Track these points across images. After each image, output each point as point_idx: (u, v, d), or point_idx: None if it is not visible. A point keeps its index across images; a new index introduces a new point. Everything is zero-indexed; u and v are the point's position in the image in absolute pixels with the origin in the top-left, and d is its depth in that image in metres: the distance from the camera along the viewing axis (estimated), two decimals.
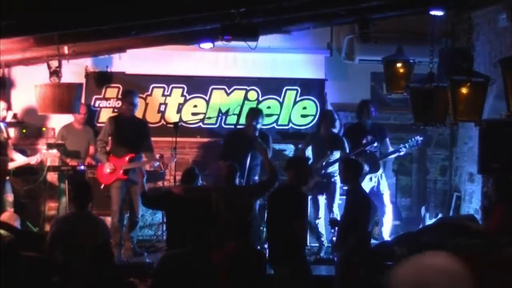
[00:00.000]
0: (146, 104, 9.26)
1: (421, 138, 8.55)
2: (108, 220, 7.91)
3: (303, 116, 9.47)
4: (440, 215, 8.74)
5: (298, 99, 9.44)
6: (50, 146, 8.26)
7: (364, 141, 8.51)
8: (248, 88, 9.39)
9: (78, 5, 5.80)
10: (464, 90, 6.15)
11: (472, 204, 8.76)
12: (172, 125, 8.65)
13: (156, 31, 7.85)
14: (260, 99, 9.38)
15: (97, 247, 4.95)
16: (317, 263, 7.85)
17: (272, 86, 9.45)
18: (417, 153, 9.61)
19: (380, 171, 8.57)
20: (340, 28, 9.50)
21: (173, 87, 9.37)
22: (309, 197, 7.94)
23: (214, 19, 7.12)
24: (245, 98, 9.36)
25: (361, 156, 8.13)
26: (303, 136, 9.17)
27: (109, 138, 8.25)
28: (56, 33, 6.94)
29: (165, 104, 9.36)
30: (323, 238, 8.30)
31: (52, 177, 8.82)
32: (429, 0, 7.67)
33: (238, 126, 9.02)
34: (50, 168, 8.38)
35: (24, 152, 8.54)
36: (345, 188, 7.35)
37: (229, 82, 9.40)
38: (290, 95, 9.44)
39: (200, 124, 9.37)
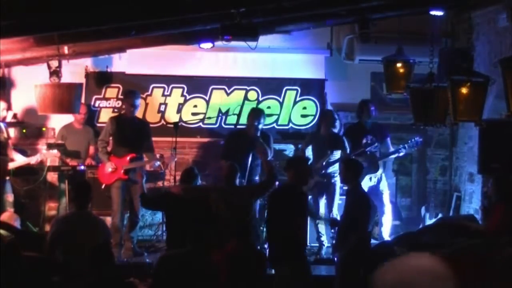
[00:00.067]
0: (146, 104, 9.26)
1: (421, 139, 8.56)
2: (108, 220, 7.91)
3: (303, 116, 9.47)
4: (440, 215, 8.74)
5: (298, 99, 9.44)
6: (50, 146, 8.26)
7: (364, 141, 8.51)
8: (248, 88, 9.39)
9: (78, 5, 5.80)
10: (464, 90, 6.15)
11: (472, 204, 8.76)
12: (172, 125, 8.66)
13: (156, 31, 7.85)
14: (260, 99, 9.38)
15: (97, 247, 4.95)
16: (317, 263, 7.85)
17: (272, 86, 9.45)
18: (417, 153, 9.61)
19: (380, 171, 8.57)
20: (340, 28, 9.50)
21: (173, 87, 9.37)
22: (309, 197, 7.93)
23: (214, 19, 7.12)
24: (245, 98, 9.36)
25: (361, 156, 8.13)
26: (303, 136, 9.17)
27: (110, 138, 8.26)
28: (56, 33, 6.94)
29: (165, 104, 9.36)
30: (323, 238, 8.30)
31: (52, 177, 8.82)
32: (429, 0, 7.67)
33: (238, 126, 9.02)
34: (50, 168, 8.38)
35: (24, 152, 8.54)
36: (345, 188, 7.35)
37: (229, 82, 9.40)
38: (290, 95, 9.44)
39: (200, 124, 9.37)
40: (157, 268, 5.29)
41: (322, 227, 8.30)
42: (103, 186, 8.11)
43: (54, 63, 7.70)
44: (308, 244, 7.03)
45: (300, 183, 6.47)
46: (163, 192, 8.04)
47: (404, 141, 8.72)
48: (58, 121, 8.95)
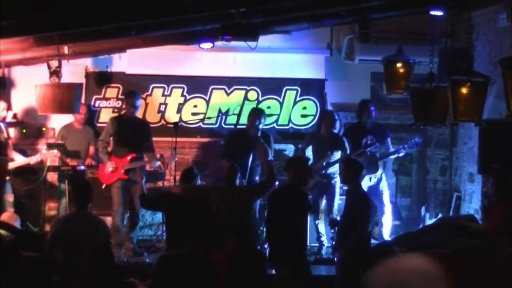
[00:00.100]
0: (146, 104, 9.26)
1: (420, 140, 8.55)
2: (109, 220, 7.91)
3: (303, 116, 9.47)
4: (440, 215, 8.73)
5: (298, 99, 9.44)
6: (50, 146, 8.27)
7: (364, 141, 8.51)
8: (248, 88, 9.39)
9: (78, 5, 5.81)
10: (464, 90, 6.15)
11: (472, 204, 8.76)
12: (172, 125, 8.67)
13: (156, 31, 7.85)
14: (260, 99, 9.38)
15: (97, 247, 4.94)
16: (317, 263, 7.85)
17: (272, 86, 9.45)
18: (417, 153, 9.61)
19: (380, 171, 8.57)
20: (340, 28, 9.50)
21: (173, 87, 9.37)
22: (310, 197, 7.93)
23: (214, 19, 7.12)
24: (245, 98, 9.36)
25: (361, 156, 8.13)
26: (303, 136, 9.17)
27: (111, 138, 8.26)
28: (56, 33, 6.95)
29: (165, 104, 9.36)
30: (323, 238, 8.30)
31: (52, 177, 8.82)
32: (429, 0, 7.67)
33: (238, 126, 9.03)
34: (50, 168, 8.39)
35: (24, 152, 8.54)
36: (345, 188, 7.35)
37: (229, 82, 9.40)
38: (290, 95, 9.44)
39: (200, 124, 9.37)
40: (157, 268, 5.28)
41: (322, 227, 8.30)
42: (103, 186, 8.11)
43: (54, 63, 7.70)
44: (308, 244, 7.02)
45: (300, 183, 6.47)
46: (163, 192, 8.03)
47: (404, 141, 8.72)
48: (58, 121, 8.95)
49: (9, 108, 8.97)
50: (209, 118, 9.34)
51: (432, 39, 7.11)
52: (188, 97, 9.37)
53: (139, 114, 8.60)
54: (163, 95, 9.35)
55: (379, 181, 8.57)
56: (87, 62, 9.24)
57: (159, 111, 9.34)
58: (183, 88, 9.36)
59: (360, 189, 6.79)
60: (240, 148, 8.06)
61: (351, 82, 9.61)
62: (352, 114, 9.16)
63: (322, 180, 8.28)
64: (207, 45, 8.62)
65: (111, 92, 9.28)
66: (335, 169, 8.16)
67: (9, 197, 7.98)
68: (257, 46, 7.64)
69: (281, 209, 6.37)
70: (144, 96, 9.17)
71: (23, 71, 9.04)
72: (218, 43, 8.10)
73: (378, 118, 8.91)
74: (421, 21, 8.27)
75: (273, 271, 6.38)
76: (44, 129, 9.13)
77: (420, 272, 1.98)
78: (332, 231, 7.35)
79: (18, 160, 8.15)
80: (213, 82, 9.39)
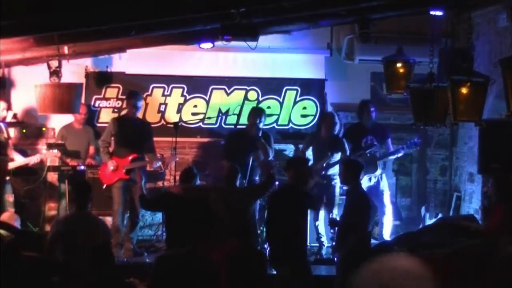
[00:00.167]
0: (146, 104, 9.25)
1: (419, 140, 8.55)
2: (109, 220, 7.92)
3: (303, 116, 9.47)
4: (440, 215, 8.73)
5: (298, 99, 9.44)
6: (50, 146, 8.27)
7: (364, 141, 8.51)
8: (248, 88, 9.39)
9: (78, 5, 5.80)
10: (464, 90, 6.15)
11: (472, 204, 8.75)
12: (172, 125, 8.68)
13: (156, 31, 7.85)
14: (260, 99, 9.38)
15: (97, 247, 4.95)
16: (317, 263, 7.85)
17: (272, 86, 9.44)
18: (417, 153, 9.60)
19: (379, 171, 8.56)
20: (340, 28, 9.50)
21: (173, 87, 9.37)
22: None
23: (214, 19, 7.12)
24: (245, 98, 9.36)
25: (361, 157, 8.13)
26: (303, 136, 9.17)
27: (112, 139, 8.27)
28: (56, 33, 6.95)
29: (165, 104, 9.36)
30: (323, 239, 8.29)
31: (52, 177, 8.82)
32: (429, 0, 7.67)
33: (238, 126, 9.03)
34: (50, 168, 8.39)
35: (24, 152, 8.54)
36: (345, 188, 7.35)
37: (229, 82, 9.40)
38: (290, 95, 9.44)
39: (200, 124, 9.37)
40: (155, 269, 5.28)
41: (322, 228, 8.29)
42: (104, 186, 8.12)
43: (54, 63, 7.70)
44: (308, 244, 7.03)
45: (300, 183, 6.48)
46: (162, 192, 8.04)
47: (404, 141, 8.72)
48: (58, 121, 8.95)
49: (9, 108, 8.97)
50: (209, 118, 9.34)
51: (432, 39, 7.11)
52: (188, 97, 9.37)
53: (139, 114, 8.60)
54: (163, 95, 9.35)
55: (379, 181, 8.57)
56: (87, 62, 9.23)
57: (159, 111, 9.34)
58: (183, 88, 9.36)
59: (360, 189, 6.79)
60: (241, 148, 8.06)
61: (351, 82, 9.60)
62: (352, 114, 9.17)
63: (322, 181, 8.28)
64: (207, 45, 8.62)
65: (111, 92, 9.28)
66: (335, 170, 8.15)
67: (9, 197, 7.99)
68: (257, 46, 7.63)
69: (281, 209, 6.38)
70: (144, 96, 9.17)
71: (23, 71, 9.04)
72: (218, 43, 8.10)
73: (378, 118, 8.91)
74: (421, 21, 8.26)
75: (273, 271, 6.38)
76: (44, 129, 9.13)
77: (406, 273, 1.97)
78: (332, 231, 7.35)
79: (18, 160, 8.15)
80: (213, 82, 9.39)
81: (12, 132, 8.74)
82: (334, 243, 7.37)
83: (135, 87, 8.86)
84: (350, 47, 9.51)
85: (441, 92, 6.35)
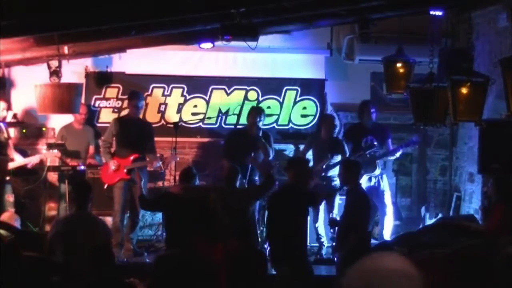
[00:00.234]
0: (146, 104, 9.24)
1: (418, 139, 8.54)
2: (109, 220, 7.92)
3: (303, 116, 9.47)
4: (440, 215, 8.73)
5: (298, 99, 9.44)
6: (50, 146, 8.27)
7: (364, 141, 8.51)
8: (248, 88, 9.39)
9: (78, 5, 5.80)
10: (464, 90, 6.15)
11: (472, 204, 8.75)
12: (172, 125, 8.68)
13: (156, 31, 7.85)
14: (260, 99, 9.38)
15: (97, 247, 4.95)
16: (317, 263, 7.85)
17: (272, 86, 9.44)
18: (417, 153, 9.61)
19: (378, 170, 8.56)
20: (340, 28, 9.50)
21: (173, 87, 9.37)
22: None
23: (214, 19, 7.12)
24: (245, 98, 9.36)
25: (361, 157, 8.13)
26: (303, 136, 9.17)
27: (113, 139, 8.27)
28: (56, 33, 6.94)
29: (165, 104, 9.36)
30: (323, 240, 8.29)
31: (52, 177, 8.82)
32: (429, 0, 7.67)
33: (238, 126, 9.03)
34: (50, 168, 8.38)
35: (24, 152, 8.54)
36: (345, 188, 7.35)
37: (229, 82, 9.40)
38: (290, 95, 9.44)
39: (200, 124, 9.37)
40: (155, 269, 5.28)
41: (322, 230, 8.29)
42: (105, 186, 8.12)
43: (54, 63, 7.69)
44: (308, 244, 7.03)
45: (300, 183, 6.48)
46: (162, 192, 8.04)
47: (404, 142, 8.72)
48: (58, 121, 8.95)
49: (9, 108, 8.96)
50: (209, 118, 9.34)
51: (432, 39, 7.11)
52: (188, 97, 9.37)
53: (139, 114, 8.60)
54: (163, 95, 9.35)
55: (380, 182, 8.57)
56: (87, 62, 9.23)
57: (159, 111, 9.34)
58: (183, 88, 9.36)
59: (360, 189, 6.79)
60: (241, 148, 8.06)
61: (351, 82, 9.60)
62: (352, 114, 9.17)
63: (321, 183, 8.28)
64: (207, 45, 8.62)
65: (111, 92, 9.28)
66: (335, 172, 8.15)
67: (9, 197, 7.98)
68: (257, 46, 7.63)
69: (281, 209, 6.38)
70: (144, 96, 9.16)
71: (23, 71, 9.03)
72: (218, 43, 8.10)
73: (378, 118, 8.91)
74: (421, 21, 8.26)
75: (273, 271, 6.37)
76: (44, 129, 9.12)
77: (395, 272, 1.96)
78: (332, 231, 7.35)
79: (18, 160, 8.15)
80: (213, 82, 9.39)
81: (12, 132, 8.74)
82: (334, 243, 7.36)
83: (135, 87, 8.86)
84: (350, 47, 9.50)
85: (441, 92, 6.35)
